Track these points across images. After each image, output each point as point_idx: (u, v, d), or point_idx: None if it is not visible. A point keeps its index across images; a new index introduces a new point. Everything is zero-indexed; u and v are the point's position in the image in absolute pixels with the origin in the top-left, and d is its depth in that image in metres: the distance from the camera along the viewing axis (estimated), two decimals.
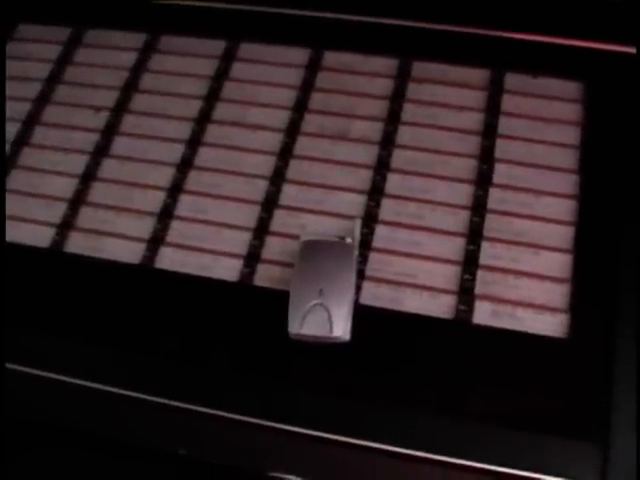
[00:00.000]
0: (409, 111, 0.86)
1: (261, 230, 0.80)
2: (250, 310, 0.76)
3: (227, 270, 0.79)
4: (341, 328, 0.71)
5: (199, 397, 0.72)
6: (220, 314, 0.76)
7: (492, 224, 0.79)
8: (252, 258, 0.79)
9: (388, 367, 0.73)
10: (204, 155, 0.87)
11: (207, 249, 0.80)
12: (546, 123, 0.84)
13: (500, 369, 0.72)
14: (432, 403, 0.71)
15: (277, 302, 0.72)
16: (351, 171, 0.83)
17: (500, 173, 0.82)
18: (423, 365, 0.72)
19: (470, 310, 0.75)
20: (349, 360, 0.73)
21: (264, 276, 0.78)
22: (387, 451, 0.69)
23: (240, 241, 0.80)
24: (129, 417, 0.74)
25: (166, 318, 0.77)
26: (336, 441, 0.70)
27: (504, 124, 0.84)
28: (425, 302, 0.75)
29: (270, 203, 0.82)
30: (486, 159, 0.82)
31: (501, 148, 0.83)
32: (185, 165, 0.86)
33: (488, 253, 0.77)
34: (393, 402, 0.71)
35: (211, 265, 0.79)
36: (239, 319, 0.76)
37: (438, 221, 0.79)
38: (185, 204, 0.83)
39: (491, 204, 0.80)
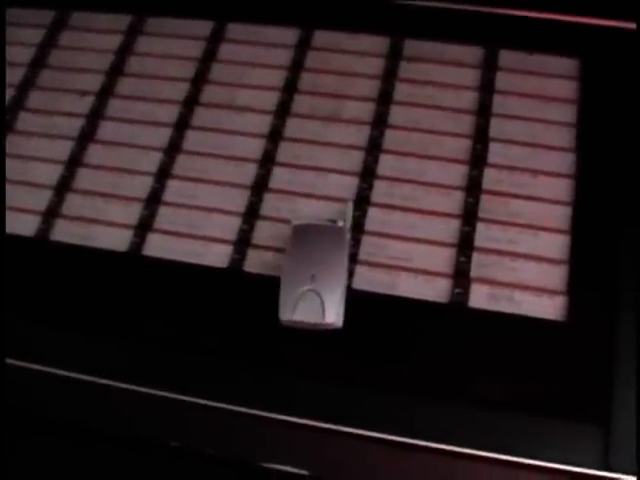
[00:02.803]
0: (401, 91, 0.84)
1: (251, 215, 0.79)
2: (241, 297, 0.75)
3: (217, 256, 0.77)
4: (334, 314, 0.69)
5: (189, 386, 0.71)
6: (210, 301, 0.75)
7: (487, 205, 0.77)
8: (242, 243, 0.78)
9: (382, 353, 0.71)
10: (192, 139, 0.85)
11: (196, 235, 0.79)
12: (542, 101, 0.82)
13: (498, 354, 0.70)
14: (429, 389, 0.69)
15: (268, 288, 0.71)
16: (343, 153, 0.81)
17: (495, 153, 0.80)
18: (418, 351, 0.71)
19: (466, 293, 0.73)
20: (342, 347, 0.71)
21: (255, 262, 0.76)
22: (384, 440, 0.67)
23: (230, 226, 0.79)
24: (117, 407, 0.73)
25: (155, 306, 0.75)
26: (331, 430, 0.68)
27: (499, 103, 0.82)
28: (420, 286, 0.74)
29: (260, 187, 0.80)
30: (481, 139, 0.80)
31: (496, 127, 0.81)
32: (173, 149, 0.84)
33: (484, 235, 0.76)
34: (389, 389, 0.69)
35: (200, 251, 0.78)
36: (229, 306, 0.74)
37: (432, 203, 0.78)
38: (173, 189, 0.82)
39: (486, 185, 0.78)
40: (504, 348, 0.70)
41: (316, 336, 0.71)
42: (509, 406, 0.68)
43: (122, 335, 0.74)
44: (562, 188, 0.77)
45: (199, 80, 0.88)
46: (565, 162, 0.78)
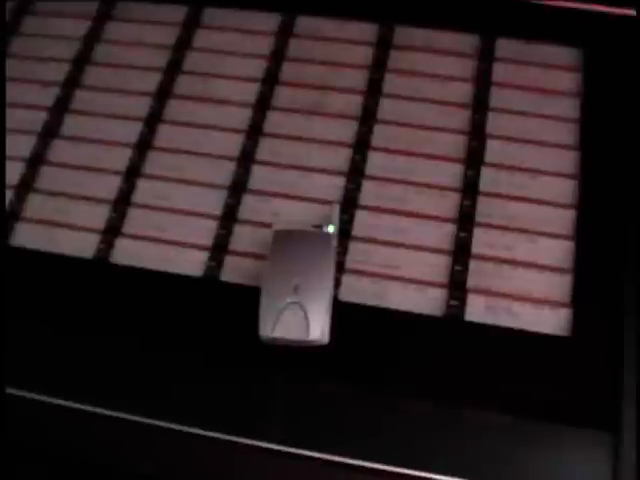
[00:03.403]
0: (391, 82, 0.78)
1: (228, 218, 0.73)
2: (217, 309, 0.69)
3: (191, 264, 0.71)
4: (319, 330, 0.64)
5: (158, 408, 0.64)
6: (183, 313, 0.69)
7: (484, 208, 0.71)
8: (219, 250, 0.72)
9: (371, 372, 0.65)
10: (164, 134, 0.78)
11: (169, 240, 0.73)
12: (542, 94, 0.76)
13: (496, 372, 0.64)
14: (422, 411, 0.64)
15: (247, 300, 0.65)
16: (328, 150, 0.75)
17: (492, 151, 0.74)
18: (410, 368, 0.65)
19: (462, 305, 0.67)
20: (328, 364, 0.65)
21: (232, 270, 0.70)
22: (375, 470, 0.62)
23: (205, 231, 0.73)
24: (78, 429, 0.66)
25: (124, 319, 0.69)
26: (315, 458, 0.62)
27: (496, 96, 0.76)
28: (412, 297, 0.68)
29: (238, 187, 0.74)
30: (477, 135, 0.74)
31: (493, 123, 0.75)
32: (143, 146, 0.78)
33: (481, 240, 0.70)
34: (378, 412, 0.64)
35: (173, 258, 0.72)
36: (204, 319, 0.68)
37: (424, 205, 0.72)
38: (144, 190, 0.75)
39: (483, 186, 0.72)
40: (503, 366, 0.65)
41: (300, 353, 0.65)
42: (505, 428, 0.62)
43: (84, 352, 0.68)
44: (564, 189, 0.72)
45: (172, 70, 0.81)
46: (568, 161, 0.73)
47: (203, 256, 0.71)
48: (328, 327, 0.64)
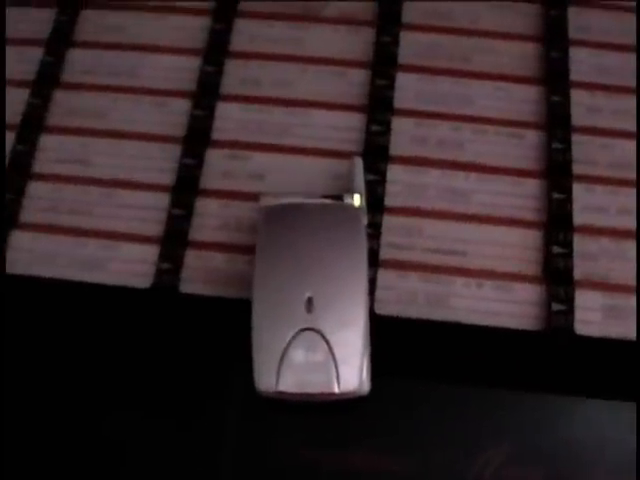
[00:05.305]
0: None
1: (185, 188, 0.48)
2: (178, 340, 0.44)
3: (130, 268, 0.46)
4: (355, 375, 0.38)
5: None
6: (123, 352, 0.43)
7: None
8: (173, 242, 0.46)
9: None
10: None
11: (91, 229, 0.47)
12: None
13: None
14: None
15: (225, 325, 0.42)
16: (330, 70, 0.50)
17: None
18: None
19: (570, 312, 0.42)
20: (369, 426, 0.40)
21: (197, 274, 0.46)
22: None
23: (150, 211, 0.47)
24: None
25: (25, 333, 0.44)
26: None
27: None
28: (490, 299, 0.45)
29: (196, 137, 0.50)
30: None
31: None
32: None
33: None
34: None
35: (101, 258, 0.46)
36: (156, 355, 0.44)
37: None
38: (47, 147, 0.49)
39: None
40: None
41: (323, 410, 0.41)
42: None
43: None
44: None
45: None
46: None
47: (149, 253, 0.46)
48: (368, 367, 0.38)
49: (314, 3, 0.52)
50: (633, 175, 0.47)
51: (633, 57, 0.50)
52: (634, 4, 0.52)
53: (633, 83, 0.50)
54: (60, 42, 0.52)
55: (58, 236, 0.46)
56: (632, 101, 0.49)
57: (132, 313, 0.44)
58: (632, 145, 0.48)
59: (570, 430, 0.41)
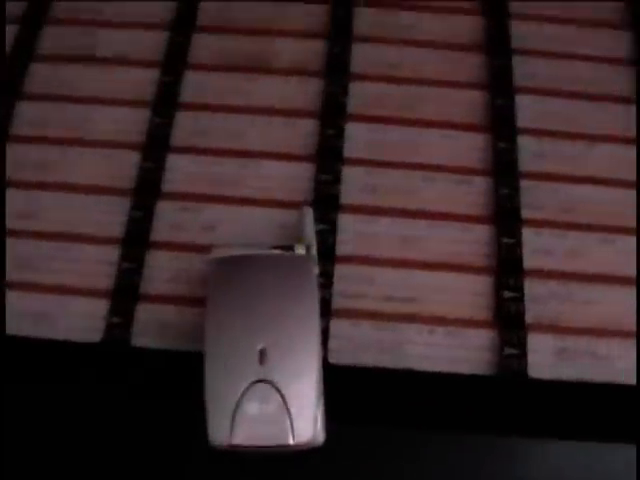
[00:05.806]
0: None
1: (135, 241, 0.47)
2: (134, 394, 0.42)
3: (80, 319, 0.45)
4: (309, 425, 0.37)
5: None
6: (75, 408, 0.41)
7: None
8: (123, 296, 0.46)
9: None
10: None
11: (40, 283, 0.46)
12: None
13: None
14: None
15: (177, 377, 0.41)
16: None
17: None
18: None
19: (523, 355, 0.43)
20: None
21: (148, 327, 0.45)
22: None
23: (101, 264, 0.46)
24: None
25: None
26: None
27: None
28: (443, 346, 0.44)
29: (146, 188, 0.49)
30: None
31: None
32: None
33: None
34: None
35: (50, 314, 0.45)
36: (107, 405, 0.42)
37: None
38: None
39: None
40: None
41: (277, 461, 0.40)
42: None
43: None
44: None
45: None
46: None
47: (99, 307, 0.46)
48: (322, 418, 0.38)
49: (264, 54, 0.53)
50: (580, 218, 0.49)
51: (578, 102, 0.52)
52: (576, 51, 0.54)
53: (577, 128, 0.51)
54: (9, 94, 0.52)
55: (7, 291, 0.46)
56: (577, 146, 0.51)
57: (82, 368, 0.44)
58: (578, 189, 0.49)
59: (526, 472, 0.41)
